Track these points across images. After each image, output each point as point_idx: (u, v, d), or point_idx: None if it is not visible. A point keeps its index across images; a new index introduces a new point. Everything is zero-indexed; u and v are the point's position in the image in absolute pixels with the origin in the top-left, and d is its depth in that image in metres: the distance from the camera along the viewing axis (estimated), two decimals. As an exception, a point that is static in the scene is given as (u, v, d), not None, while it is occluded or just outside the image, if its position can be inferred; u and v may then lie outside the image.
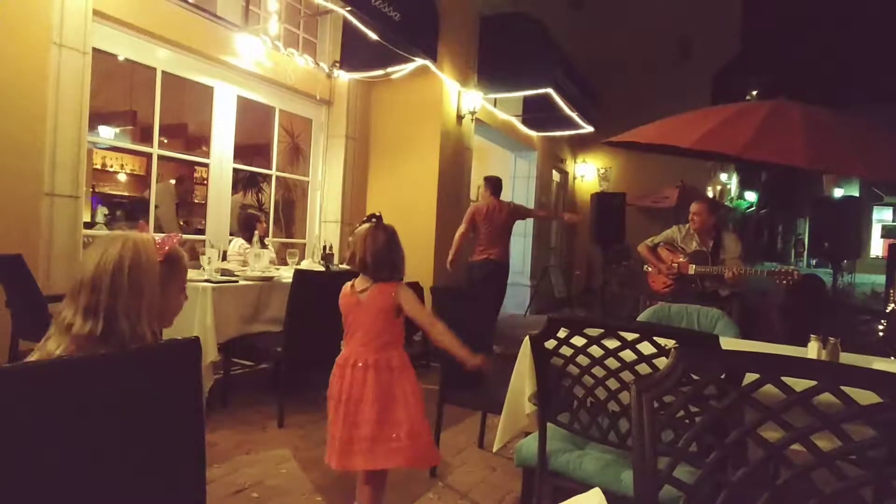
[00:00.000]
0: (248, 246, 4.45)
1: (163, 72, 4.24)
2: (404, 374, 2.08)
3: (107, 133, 6.92)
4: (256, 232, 4.56)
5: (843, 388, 0.92)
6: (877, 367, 1.55)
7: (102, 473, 0.89)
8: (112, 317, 1.18)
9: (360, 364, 2.03)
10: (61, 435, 0.84)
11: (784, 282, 3.54)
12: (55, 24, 3.36)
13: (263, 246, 4.61)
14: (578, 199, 10.89)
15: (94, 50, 3.65)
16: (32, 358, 1.15)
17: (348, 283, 2.16)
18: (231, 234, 5.03)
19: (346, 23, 5.07)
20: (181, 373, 0.98)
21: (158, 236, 1.32)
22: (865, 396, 0.90)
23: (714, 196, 12.70)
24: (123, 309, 1.19)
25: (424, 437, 2.05)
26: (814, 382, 0.94)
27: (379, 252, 2.05)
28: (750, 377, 0.99)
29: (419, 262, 5.60)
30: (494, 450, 2.22)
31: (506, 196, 9.11)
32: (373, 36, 4.70)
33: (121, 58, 4.11)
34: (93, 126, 5.25)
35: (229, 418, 3.35)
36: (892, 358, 2.08)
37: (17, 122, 3.24)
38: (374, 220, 2.13)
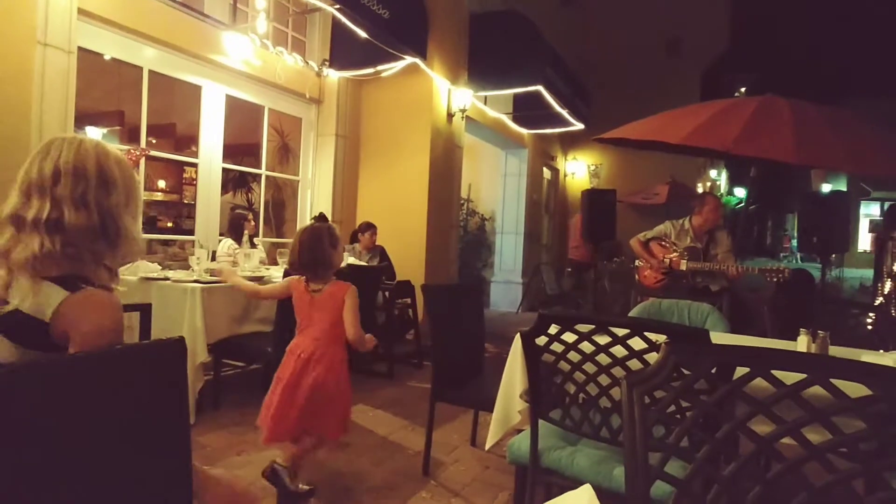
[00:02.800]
0: (238, 246, 4.42)
1: (150, 71, 4.20)
2: (343, 369, 2.26)
3: (94, 134, 6.84)
4: (246, 231, 4.53)
5: (832, 380, 0.92)
6: (866, 360, 1.56)
7: (85, 475, 0.87)
8: (108, 213, 1.14)
9: (305, 356, 2.20)
10: (41, 436, 0.82)
11: (775, 279, 3.56)
12: (39, 23, 3.31)
13: (253, 246, 4.58)
14: (569, 197, 10.91)
15: (80, 49, 3.60)
16: None
17: (301, 279, 2.27)
18: (221, 235, 4.99)
19: (335, 21, 5.05)
20: (166, 372, 0.97)
21: (121, 148, 1.31)
22: (855, 389, 0.90)
23: (704, 192, 12.77)
24: (119, 206, 1.16)
25: (337, 425, 2.27)
26: (804, 376, 0.94)
27: (303, 253, 2.19)
28: (741, 372, 0.99)
29: (410, 261, 5.59)
30: (487, 447, 2.22)
31: (496, 193, 9.21)
32: (362, 34, 4.68)
33: (107, 57, 4.06)
34: (80, 127, 5.19)
35: (221, 419, 3.33)
36: (881, 351, 2.09)
37: (1, 122, 3.19)
38: (313, 220, 2.28)
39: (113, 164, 1.19)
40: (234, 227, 4.59)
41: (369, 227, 5.27)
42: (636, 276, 4.26)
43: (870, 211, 23.43)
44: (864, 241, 21.64)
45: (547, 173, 10.12)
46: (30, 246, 1.09)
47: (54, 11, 3.36)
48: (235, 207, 5.65)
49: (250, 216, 4.78)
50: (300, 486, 2.28)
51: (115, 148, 1.26)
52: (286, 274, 2.53)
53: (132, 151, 1.37)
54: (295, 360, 2.22)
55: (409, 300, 5.23)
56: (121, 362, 0.94)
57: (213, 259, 4.18)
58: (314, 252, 2.17)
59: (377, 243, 5.37)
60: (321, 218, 2.25)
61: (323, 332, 2.22)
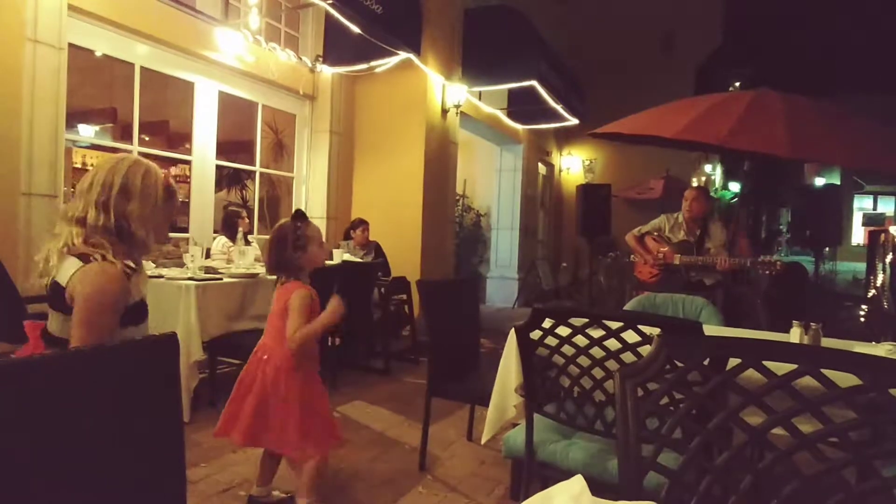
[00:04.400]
0: (232, 244, 4.41)
1: (142, 67, 4.17)
2: (297, 375, 2.09)
3: (86, 131, 6.79)
4: (240, 229, 4.51)
5: (823, 371, 0.93)
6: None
7: (76, 471, 0.87)
8: (122, 216, 1.47)
9: (264, 356, 2.13)
10: (34, 434, 0.82)
11: (768, 272, 3.58)
12: (29, 20, 3.28)
13: (247, 243, 4.56)
14: (564, 192, 10.93)
15: (71, 45, 3.58)
16: (41, 255, 1.46)
17: (280, 280, 2.23)
18: (215, 233, 4.97)
19: (328, 17, 5.02)
20: (159, 368, 0.96)
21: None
22: (846, 380, 0.91)
23: (699, 186, 12.80)
24: (134, 212, 1.47)
25: (294, 437, 2.06)
26: (795, 366, 0.95)
27: (269, 253, 2.16)
28: (734, 364, 1.00)
29: (406, 257, 5.59)
30: (483, 442, 2.23)
31: (491, 189, 9.21)
32: (355, 29, 4.66)
33: (98, 53, 4.04)
34: (72, 124, 5.16)
35: (216, 417, 3.31)
36: (873, 343, 2.11)
37: (-9, 119, 3.18)
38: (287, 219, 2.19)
39: (139, 178, 1.51)
40: (228, 225, 4.57)
41: (361, 224, 5.26)
42: (633, 271, 4.27)
43: (863, 204, 23.54)
44: (858, 235, 21.74)
45: (542, 169, 10.12)
46: (64, 232, 1.46)
47: (44, 7, 3.34)
48: (229, 205, 5.63)
49: (244, 214, 4.77)
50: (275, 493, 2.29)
51: (154, 166, 1.58)
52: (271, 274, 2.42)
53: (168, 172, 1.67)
54: (253, 357, 2.18)
55: (404, 296, 5.23)
56: (113, 358, 0.94)
57: (208, 256, 4.16)
58: (278, 253, 2.11)
59: (372, 239, 5.36)
60: (297, 215, 2.16)
61: (275, 330, 2.13)
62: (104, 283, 1.39)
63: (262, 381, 2.09)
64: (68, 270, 1.40)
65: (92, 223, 1.44)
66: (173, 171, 6.90)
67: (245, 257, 3.93)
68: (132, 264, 1.50)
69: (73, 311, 1.38)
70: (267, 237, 5.82)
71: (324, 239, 2.34)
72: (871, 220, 21.16)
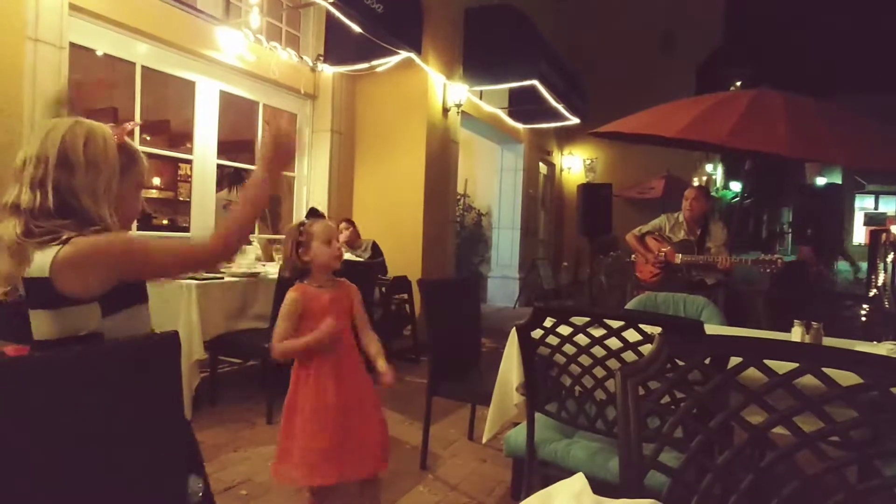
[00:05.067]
0: None
1: (143, 67, 4.17)
2: (303, 385, 1.95)
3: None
4: None
5: (824, 369, 0.93)
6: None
7: (79, 471, 0.87)
8: (69, 192, 1.17)
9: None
10: (35, 433, 0.82)
11: (768, 270, 3.58)
12: (30, 19, 3.28)
13: (248, 242, 4.56)
14: (565, 191, 10.92)
15: (71, 45, 3.57)
16: None
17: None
18: (216, 231, 4.97)
19: (329, 16, 5.02)
20: (161, 367, 0.96)
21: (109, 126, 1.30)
22: (847, 379, 0.90)
23: (699, 185, 12.80)
24: (82, 186, 1.17)
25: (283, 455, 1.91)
26: (796, 365, 0.94)
27: (283, 255, 2.04)
28: (735, 363, 1.00)
29: (407, 256, 5.59)
30: (484, 441, 2.23)
31: (492, 188, 9.21)
32: (356, 29, 4.66)
33: (99, 52, 4.04)
34: (72, 123, 5.14)
35: (218, 416, 3.33)
36: (875, 342, 2.10)
37: (-7, 118, 3.18)
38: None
39: (80, 144, 1.20)
40: None
41: (345, 223, 5.21)
42: (634, 271, 4.27)
43: (864, 204, 23.50)
44: (860, 234, 21.70)
45: (543, 168, 10.12)
46: (6, 229, 1.15)
47: (45, 7, 3.34)
48: (230, 204, 5.63)
49: None
50: None
51: (100, 126, 1.27)
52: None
53: (119, 128, 1.32)
54: None
55: (405, 295, 5.23)
56: (114, 357, 0.94)
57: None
58: (286, 254, 2.03)
59: (369, 238, 5.35)
60: (309, 213, 2.12)
61: None
62: (105, 238, 1.17)
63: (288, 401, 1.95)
64: (44, 259, 1.13)
65: (27, 207, 1.14)
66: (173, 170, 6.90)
67: (246, 257, 3.93)
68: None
69: (87, 271, 1.13)
70: (268, 236, 5.80)
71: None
72: (873, 219, 21.11)
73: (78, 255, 1.13)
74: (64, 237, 1.15)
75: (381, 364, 1.94)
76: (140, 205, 1.39)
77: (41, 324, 1.16)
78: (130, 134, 1.32)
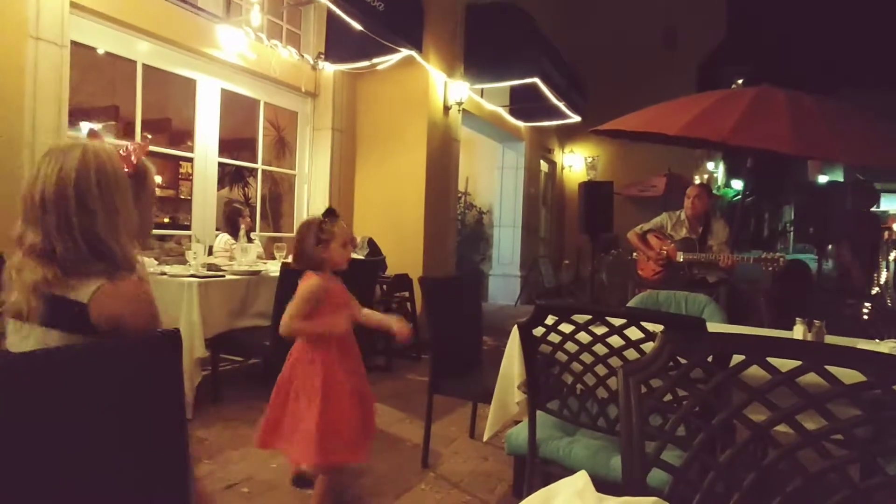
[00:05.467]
0: (234, 241, 4.41)
1: (144, 65, 4.17)
2: (306, 367, 2.06)
3: (89, 129, 6.80)
4: (242, 226, 4.52)
5: (827, 367, 0.92)
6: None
7: (79, 469, 0.87)
8: (94, 238, 1.14)
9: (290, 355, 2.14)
10: (37, 432, 0.82)
11: (770, 268, 3.57)
12: (31, 17, 3.28)
13: (249, 240, 4.57)
14: (566, 189, 10.91)
15: (73, 43, 3.57)
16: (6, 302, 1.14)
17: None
18: (217, 230, 4.98)
19: (330, 13, 5.01)
20: (162, 365, 0.96)
21: (119, 144, 1.26)
22: (850, 377, 0.90)
23: (701, 183, 12.79)
24: (106, 231, 1.14)
25: (301, 441, 1.99)
26: (799, 363, 0.94)
27: (295, 246, 2.14)
28: (737, 360, 0.99)
29: (408, 254, 5.59)
30: (485, 439, 2.23)
31: (494, 186, 9.20)
32: (357, 26, 4.65)
33: (100, 51, 4.04)
34: (75, 122, 5.16)
35: (219, 414, 3.33)
36: (877, 340, 2.10)
37: (-6, 117, 3.18)
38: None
39: (93, 182, 1.16)
40: (230, 222, 4.58)
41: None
42: (635, 269, 4.26)
43: (866, 202, 23.43)
44: (861, 233, 21.63)
45: (544, 166, 10.11)
46: (36, 272, 1.11)
47: (46, 5, 3.34)
48: (231, 202, 5.64)
49: (246, 212, 4.76)
50: None
51: (109, 147, 1.23)
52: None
53: (129, 149, 1.25)
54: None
55: (407, 293, 5.23)
56: (115, 355, 0.94)
57: (210, 254, 4.17)
58: (301, 245, 2.10)
59: (367, 235, 5.35)
60: (328, 212, 2.16)
61: None
62: (148, 306, 1.16)
63: (282, 378, 2.08)
64: (86, 287, 1.12)
65: (62, 256, 1.12)
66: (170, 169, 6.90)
67: (248, 255, 3.93)
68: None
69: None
70: (269, 234, 5.80)
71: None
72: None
73: (121, 297, 1.13)
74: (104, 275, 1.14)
75: (394, 322, 2.12)
76: (153, 215, 1.37)
77: (41, 342, 1.11)
78: (140, 152, 1.27)
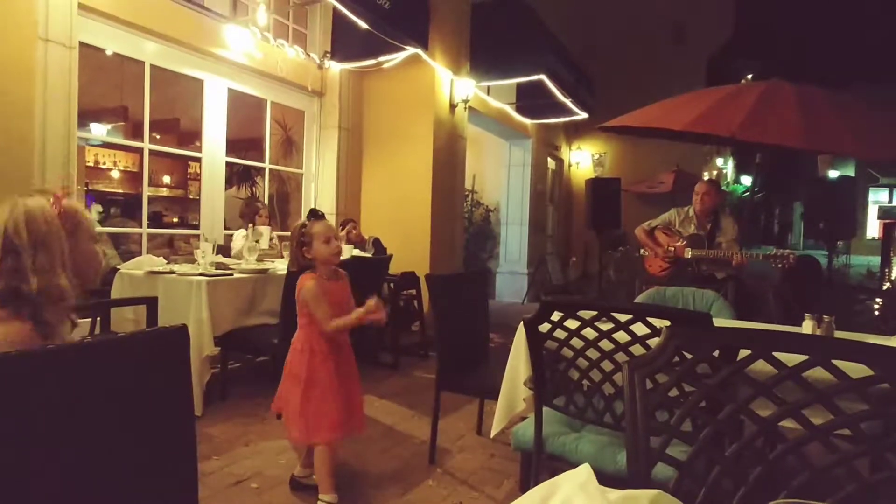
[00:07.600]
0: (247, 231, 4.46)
1: (151, 65, 4.20)
2: (302, 355, 2.24)
3: (99, 130, 6.86)
4: (255, 222, 4.57)
5: (834, 362, 0.92)
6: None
7: (86, 466, 0.88)
8: (19, 277, 1.18)
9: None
10: (43, 427, 0.83)
11: (780, 265, 3.54)
12: (40, 19, 3.31)
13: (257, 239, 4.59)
14: (574, 186, 10.87)
15: (81, 44, 3.61)
16: None
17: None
18: (226, 228, 5.02)
19: (335, 12, 5.02)
20: (169, 361, 0.97)
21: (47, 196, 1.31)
22: (858, 370, 0.89)
23: (710, 179, 12.69)
24: (31, 266, 1.20)
25: (293, 416, 2.21)
26: (806, 358, 0.94)
27: (289, 251, 2.35)
28: (744, 355, 0.99)
29: (415, 252, 5.59)
30: (492, 435, 2.23)
31: (500, 184, 9.19)
32: (363, 25, 4.66)
33: (108, 52, 4.07)
34: (84, 123, 5.21)
35: (228, 411, 3.36)
36: (888, 335, 2.08)
37: (4, 118, 3.20)
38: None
39: (21, 226, 1.22)
40: (249, 219, 4.67)
41: (347, 222, 5.25)
42: (643, 265, 4.24)
43: (878, 197, 23.19)
44: (873, 228, 21.41)
45: (551, 163, 10.08)
46: None
47: (55, 7, 3.37)
48: (253, 199, 5.69)
49: (265, 212, 4.84)
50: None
51: (40, 200, 1.28)
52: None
53: (56, 196, 1.35)
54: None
55: (413, 291, 5.23)
56: (123, 351, 0.95)
57: (219, 252, 4.19)
58: (291, 250, 2.30)
59: (375, 235, 5.36)
60: (309, 214, 2.31)
61: (298, 317, 2.34)
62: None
63: (286, 361, 2.30)
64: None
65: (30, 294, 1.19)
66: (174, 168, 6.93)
67: (254, 253, 3.95)
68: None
69: None
70: (277, 233, 5.85)
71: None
72: (887, 212, 20.83)
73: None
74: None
75: (363, 312, 2.19)
76: (98, 254, 1.40)
77: None
78: (63, 195, 1.32)
